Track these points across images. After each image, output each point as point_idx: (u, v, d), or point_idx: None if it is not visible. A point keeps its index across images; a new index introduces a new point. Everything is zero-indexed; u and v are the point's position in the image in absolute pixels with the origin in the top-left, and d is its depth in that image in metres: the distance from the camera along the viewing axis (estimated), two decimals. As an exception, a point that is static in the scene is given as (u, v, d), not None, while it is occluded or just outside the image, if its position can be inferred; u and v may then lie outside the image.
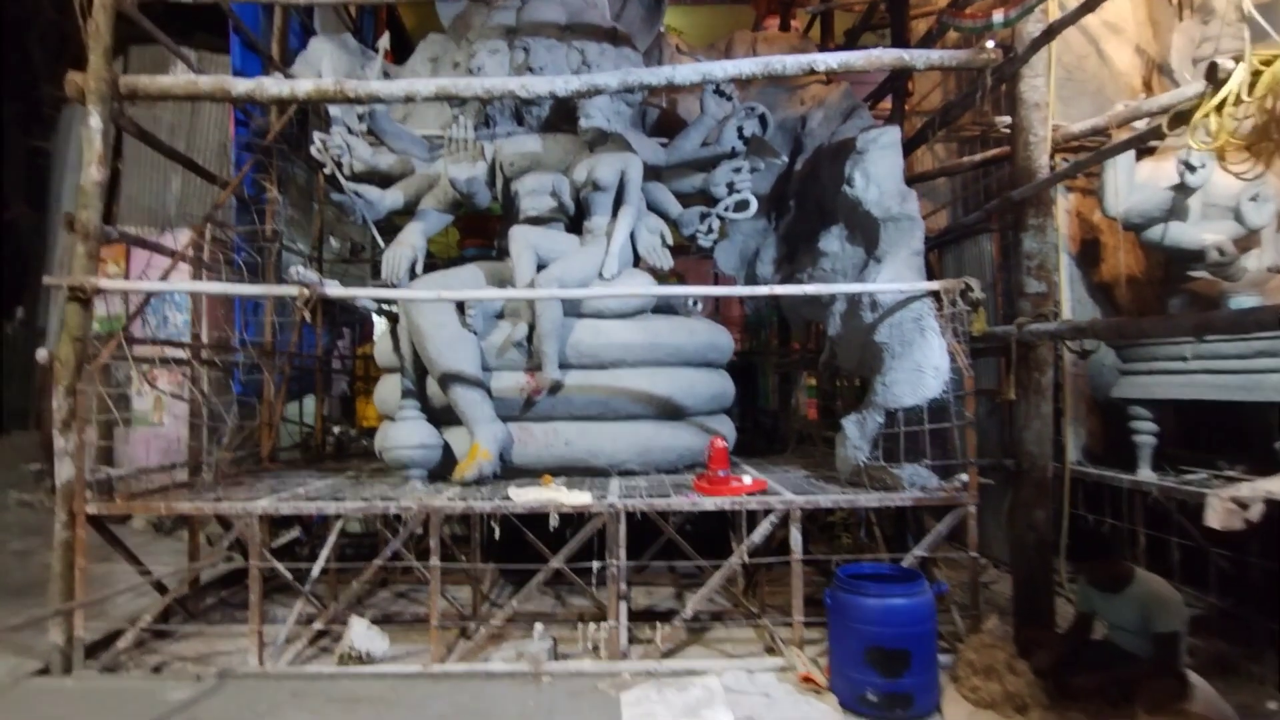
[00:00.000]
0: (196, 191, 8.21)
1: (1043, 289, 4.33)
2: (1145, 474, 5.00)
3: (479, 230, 8.70)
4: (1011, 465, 4.42)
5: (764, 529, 4.33)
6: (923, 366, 4.35)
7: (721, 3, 10.70)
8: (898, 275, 4.63)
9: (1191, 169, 4.67)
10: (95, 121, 4.34)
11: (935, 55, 4.59)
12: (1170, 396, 4.94)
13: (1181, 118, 3.13)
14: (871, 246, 4.99)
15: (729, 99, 5.95)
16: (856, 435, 4.63)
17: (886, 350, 4.57)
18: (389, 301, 5.54)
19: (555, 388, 5.04)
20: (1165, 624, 3.36)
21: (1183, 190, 4.82)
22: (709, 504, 4.35)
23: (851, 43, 7.54)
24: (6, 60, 12.96)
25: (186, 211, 8.16)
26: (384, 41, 5.50)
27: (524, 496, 4.35)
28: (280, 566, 4.47)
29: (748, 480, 4.58)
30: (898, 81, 6.50)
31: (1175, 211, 4.92)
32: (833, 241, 5.39)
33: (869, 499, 4.38)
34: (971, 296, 4.36)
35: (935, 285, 4.44)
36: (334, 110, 5.46)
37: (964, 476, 4.37)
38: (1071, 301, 5.73)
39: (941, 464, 4.44)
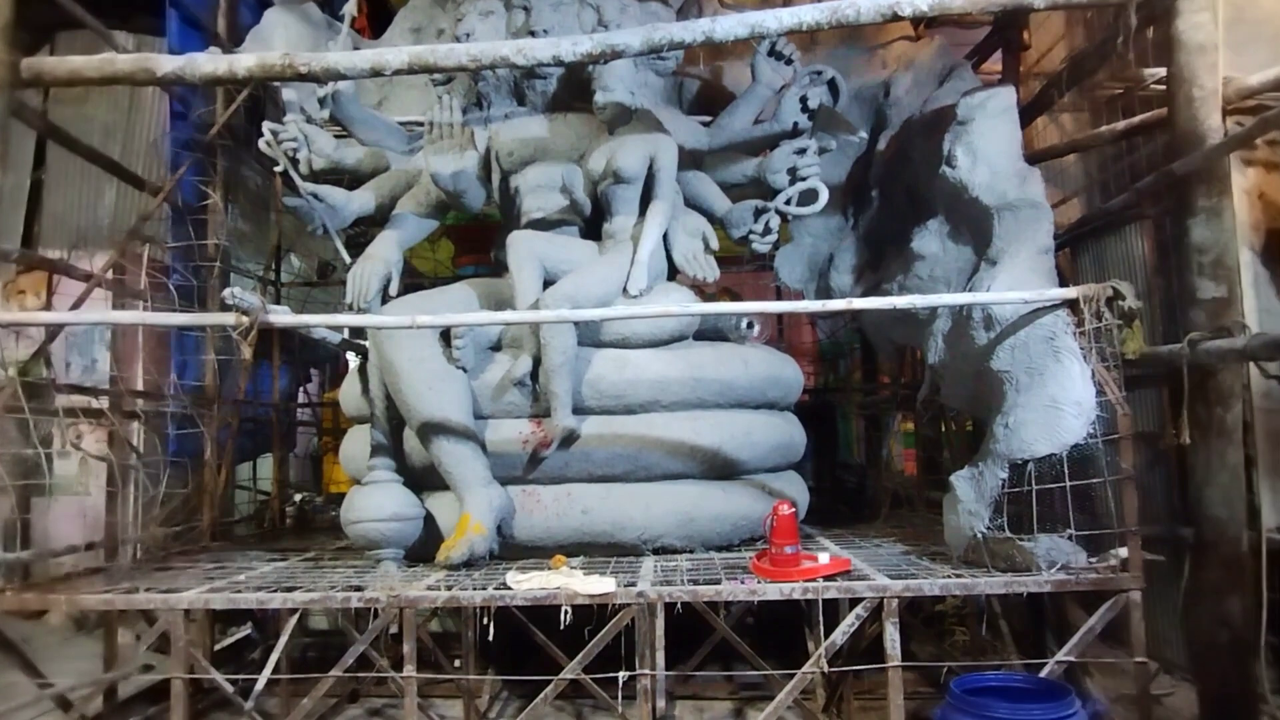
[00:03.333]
0: (135, 205, 8.29)
1: (1221, 293, 4.01)
2: (1381, 545, 4.54)
3: (479, 243, 8.62)
4: (1189, 536, 4.04)
5: (849, 624, 4.02)
6: (1059, 401, 4.03)
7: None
8: (1019, 281, 4.37)
9: None
10: (-9, 114, 4.34)
11: (1060, -11, 4.34)
12: None
13: None
14: (982, 245, 4.77)
15: (788, 62, 5.78)
16: (971, 497, 4.31)
17: (1008, 381, 4.29)
18: (358, 333, 5.42)
19: (569, 439, 4.86)
20: None
21: None
22: (773, 591, 4.07)
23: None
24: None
25: (121, 229, 8.25)
26: (350, 7, 5.46)
27: (526, 584, 4.12)
28: (217, 675, 4.30)
29: (825, 559, 4.30)
30: (1009, 33, 6.25)
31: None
32: (930, 240, 5.16)
33: (991, 583, 4.04)
34: (1123, 306, 4.07)
35: (1072, 292, 4.15)
36: (289, 95, 5.42)
37: (1122, 551, 4.01)
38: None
39: (1089, 534, 4.09)
